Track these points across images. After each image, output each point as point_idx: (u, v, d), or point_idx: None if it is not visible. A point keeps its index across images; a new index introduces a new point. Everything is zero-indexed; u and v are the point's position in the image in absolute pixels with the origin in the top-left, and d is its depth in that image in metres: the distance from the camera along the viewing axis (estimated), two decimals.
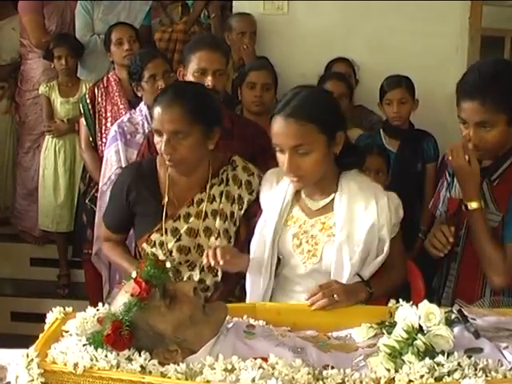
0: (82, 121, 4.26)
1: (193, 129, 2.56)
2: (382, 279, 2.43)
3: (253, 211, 2.68)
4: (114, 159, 3.70)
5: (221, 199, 2.71)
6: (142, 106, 3.76)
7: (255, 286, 2.45)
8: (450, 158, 2.48)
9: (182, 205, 2.70)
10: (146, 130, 3.65)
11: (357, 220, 2.37)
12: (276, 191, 2.51)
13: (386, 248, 2.38)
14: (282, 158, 2.30)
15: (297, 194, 2.49)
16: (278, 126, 2.29)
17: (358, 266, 2.36)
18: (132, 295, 1.85)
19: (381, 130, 4.08)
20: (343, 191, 2.40)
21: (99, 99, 4.23)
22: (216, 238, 2.66)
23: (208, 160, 2.71)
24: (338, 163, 2.42)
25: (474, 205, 2.42)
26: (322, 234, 2.39)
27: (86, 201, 4.35)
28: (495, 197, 2.48)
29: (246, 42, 4.55)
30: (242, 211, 2.73)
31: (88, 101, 4.24)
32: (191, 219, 2.69)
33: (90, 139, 4.24)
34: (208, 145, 2.65)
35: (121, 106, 4.16)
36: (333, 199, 2.41)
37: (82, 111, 4.25)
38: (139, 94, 3.77)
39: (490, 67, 2.42)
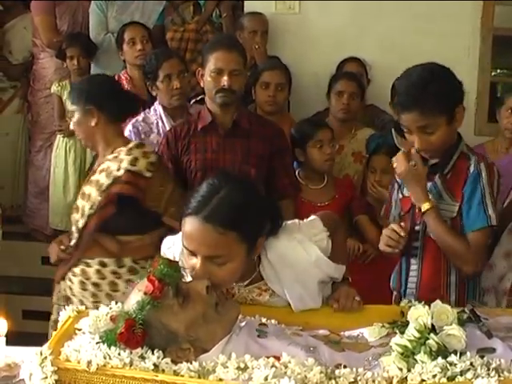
0: None
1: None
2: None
3: None
4: None
5: None
6: (157, 106, 3.76)
7: None
8: (395, 166, 2.59)
9: None
10: (161, 130, 3.67)
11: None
12: None
13: None
14: (194, 262, 1.99)
15: None
16: (193, 229, 1.96)
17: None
18: (145, 294, 1.85)
19: (392, 130, 4.07)
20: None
21: None
22: None
23: None
24: None
25: (426, 206, 2.51)
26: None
27: None
28: (449, 188, 2.54)
29: (257, 41, 4.55)
30: None
31: None
32: None
33: None
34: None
35: None
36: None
37: None
38: (154, 94, 3.78)
39: (420, 74, 2.48)
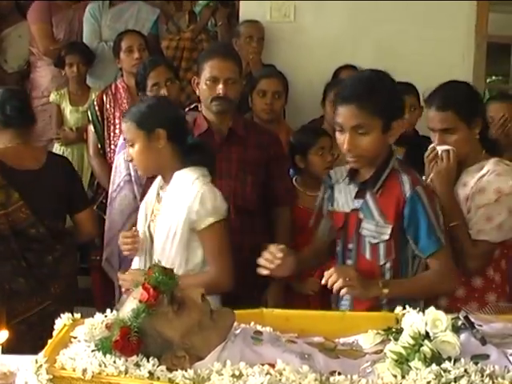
0: (91, 128, 4.27)
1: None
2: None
3: None
4: (123, 166, 3.72)
5: None
6: None
7: None
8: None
9: None
10: None
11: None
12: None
13: None
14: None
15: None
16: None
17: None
18: (140, 301, 1.86)
19: None
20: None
21: (107, 106, 4.24)
22: None
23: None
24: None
25: (385, 291, 2.38)
26: None
27: (94, 207, 4.36)
28: (381, 208, 2.47)
29: (253, 46, 4.57)
30: None
31: (96, 108, 4.25)
32: None
33: (99, 146, 4.25)
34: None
35: None
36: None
37: (91, 118, 4.26)
38: None
39: (369, 75, 2.50)
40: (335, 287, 2.26)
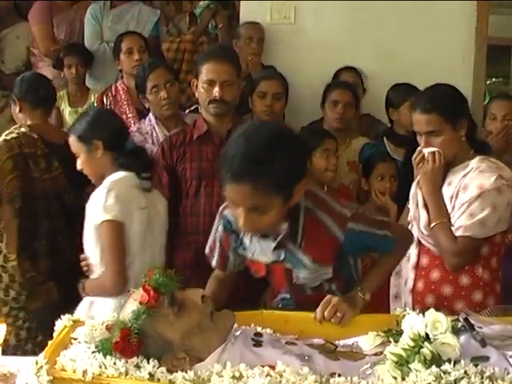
0: None
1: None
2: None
3: None
4: None
5: None
6: (151, 116, 3.79)
7: None
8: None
9: None
10: (155, 140, 3.69)
11: None
12: None
13: None
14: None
15: None
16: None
17: None
18: (141, 303, 1.86)
19: (384, 139, 4.09)
20: None
21: (107, 107, 4.25)
22: None
23: None
24: None
25: (367, 296, 2.32)
26: None
27: None
28: (312, 256, 2.27)
29: (253, 47, 4.58)
30: None
31: None
32: None
33: None
34: None
35: (129, 115, 4.17)
36: None
37: None
38: (146, 106, 3.80)
39: (260, 146, 2.02)
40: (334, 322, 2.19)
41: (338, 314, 2.18)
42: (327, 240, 2.25)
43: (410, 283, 2.79)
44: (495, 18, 4.82)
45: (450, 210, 2.70)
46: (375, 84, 4.59)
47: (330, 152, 3.58)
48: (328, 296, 2.23)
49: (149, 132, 3.74)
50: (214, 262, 2.47)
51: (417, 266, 2.79)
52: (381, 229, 2.36)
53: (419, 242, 2.78)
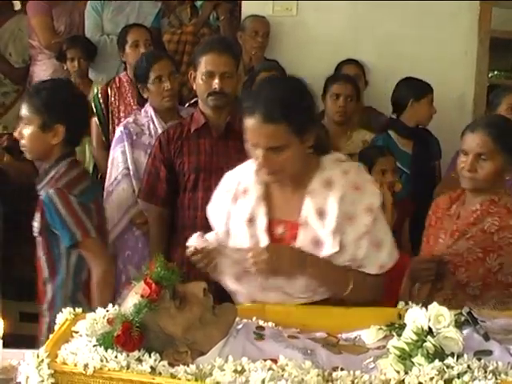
0: (95, 120, 4.24)
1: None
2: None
3: None
4: (120, 160, 3.70)
5: None
6: (148, 107, 3.76)
7: None
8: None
9: None
10: (152, 131, 3.68)
11: None
12: None
13: None
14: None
15: None
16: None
17: None
18: (142, 296, 1.85)
19: (391, 132, 4.07)
20: None
21: (112, 99, 4.23)
22: None
23: None
24: None
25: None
26: None
27: None
28: None
29: (258, 41, 4.57)
30: None
31: (101, 100, 4.24)
32: None
33: (103, 139, 4.24)
34: None
35: (134, 107, 4.13)
36: None
37: (95, 110, 4.24)
38: (145, 96, 3.77)
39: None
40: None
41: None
42: None
43: None
44: (498, 10, 4.81)
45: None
46: (377, 77, 4.59)
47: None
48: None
49: (145, 124, 3.72)
50: None
51: None
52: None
53: None
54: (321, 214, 2.25)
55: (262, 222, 2.32)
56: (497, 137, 2.61)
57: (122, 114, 4.18)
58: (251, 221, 2.34)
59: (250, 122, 2.20)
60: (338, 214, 2.22)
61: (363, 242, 2.25)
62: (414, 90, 4.08)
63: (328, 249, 2.24)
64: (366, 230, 2.25)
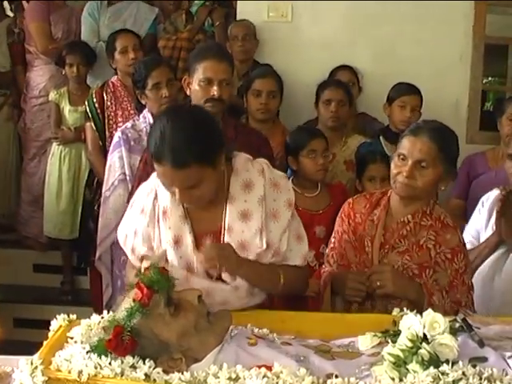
0: (91, 125, 4.24)
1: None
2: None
3: None
4: (117, 165, 3.69)
5: None
6: (146, 113, 3.75)
7: None
8: None
9: None
10: None
11: None
12: None
13: None
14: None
15: None
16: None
17: None
18: (134, 300, 1.85)
19: (380, 137, 4.07)
20: None
21: (108, 103, 4.22)
22: None
23: None
24: None
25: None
26: None
27: (96, 208, 4.30)
28: None
29: (238, 45, 4.60)
30: None
31: (96, 105, 4.23)
32: None
33: (100, 143, 4.22)
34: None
35: (131, 112, 4.13)
36: None
37: (90, 115, 4.24)
38: (143, 102, 3.77)
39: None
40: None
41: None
42: None
43: None
44: (492, 17, 4.82)
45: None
46: (372, 83, 4.59)
47: (317, 152, 3.54)
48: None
49: (143, 129, 3.71)
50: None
51: None
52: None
53: None
54: (244, 216, 2.30)
55: (188, 240, 2.31)
56: (442, 144, 2.48)
57: (119, 119, 4.17)
58: (177, 242, 2.32)
59: (159, 169, 2.16)
60: (262, 213, 2.28)
61: (286, 236, 2.34)
62: (390, 93, 4.08)
63: (255, 249, 2.29)
64: (287, 224, 2.34)
